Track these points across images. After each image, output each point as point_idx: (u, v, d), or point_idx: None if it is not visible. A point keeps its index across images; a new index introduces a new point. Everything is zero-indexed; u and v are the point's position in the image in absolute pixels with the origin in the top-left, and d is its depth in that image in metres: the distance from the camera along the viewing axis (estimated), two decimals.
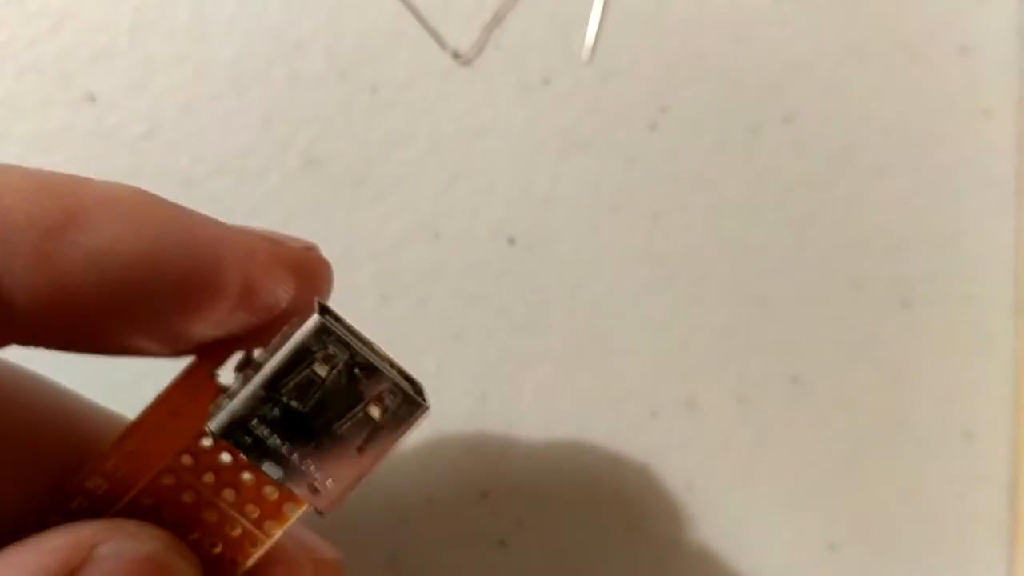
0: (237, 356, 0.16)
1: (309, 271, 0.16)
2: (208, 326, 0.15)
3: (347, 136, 0.26)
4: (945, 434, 0.26)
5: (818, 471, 0.26)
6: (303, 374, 0.14)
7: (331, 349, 0.14)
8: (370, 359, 0.14)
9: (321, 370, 0.14)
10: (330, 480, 0.15)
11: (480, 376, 0.25)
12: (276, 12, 0.26)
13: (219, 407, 0.15)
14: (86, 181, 0.14)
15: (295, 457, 0.15)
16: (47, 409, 0.17)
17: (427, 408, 0.15)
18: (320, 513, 0.15)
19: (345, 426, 0.15)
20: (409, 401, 0.15)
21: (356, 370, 0.14)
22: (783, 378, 0.26)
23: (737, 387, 0.26)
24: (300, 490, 0.15)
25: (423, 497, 0.25)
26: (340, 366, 0.14)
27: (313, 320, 0.14)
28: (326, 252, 0.16)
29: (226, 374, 0.16)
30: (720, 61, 0.26)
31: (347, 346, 0.14)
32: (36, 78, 0.25)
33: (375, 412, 0.15)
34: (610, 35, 0.26)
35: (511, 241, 0.26)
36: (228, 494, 0.16)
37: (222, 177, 0.25)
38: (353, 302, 0.25)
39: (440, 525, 0.25)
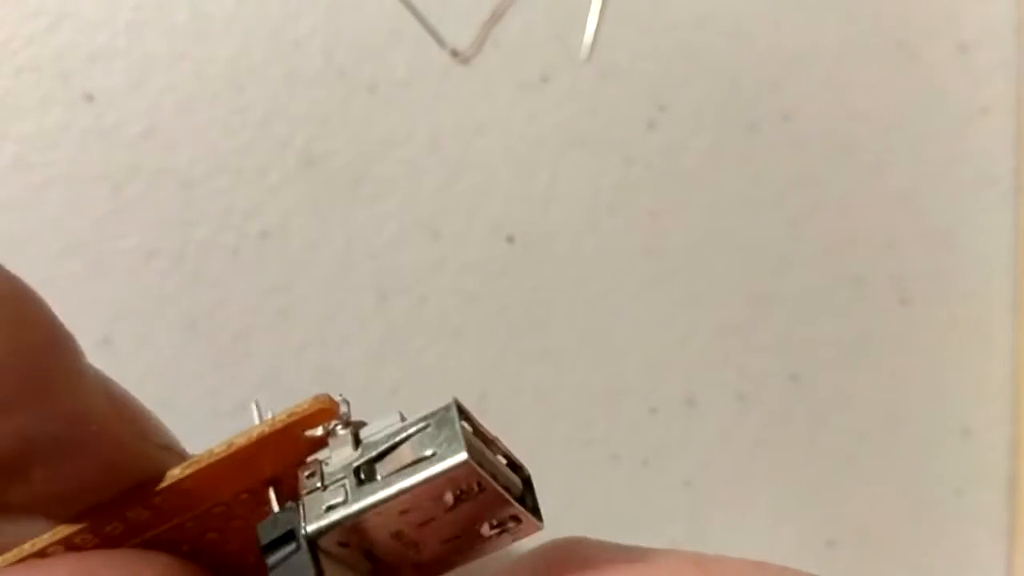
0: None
1: None
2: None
3: (346, 135, 0.26)
4: (944, 431, 0.26)
5: (817, 468, 0.26)
6: (428, 504, 0.12)
7: (467, 482, 0.12)
8: (500, 491, 0.12)
9: (448, 498, 0.12)
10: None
11: (479, 374, 0.25)
12: (274, 11, 0.26)
13: (321, 506, 0.12)
14: None
15: (391, 558, 0.13)
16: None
17: (541, 527, 0.13)
18: None
19: (453, 542, 0.13)
20: (527, 523, 0.13)
21: (481, 496, 0.12)
22: (782, 375, 0.26)
23: (736, 384, 0.26)
24: None
25: None
26: (468, 497, 0.12)
27: (460, 456, 0.12)
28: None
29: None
30: (718, 59, 0.26)
31: (484, 480, 0.12)
32: (34, 77, 0.25)
33: (486, 528, 0.13)
34: (608, 33, 0.26)
35: (510, 239, 0.26)
36: None
37: (221, 176, 0.25)
38: (352, 301, 0.25)
39: None
